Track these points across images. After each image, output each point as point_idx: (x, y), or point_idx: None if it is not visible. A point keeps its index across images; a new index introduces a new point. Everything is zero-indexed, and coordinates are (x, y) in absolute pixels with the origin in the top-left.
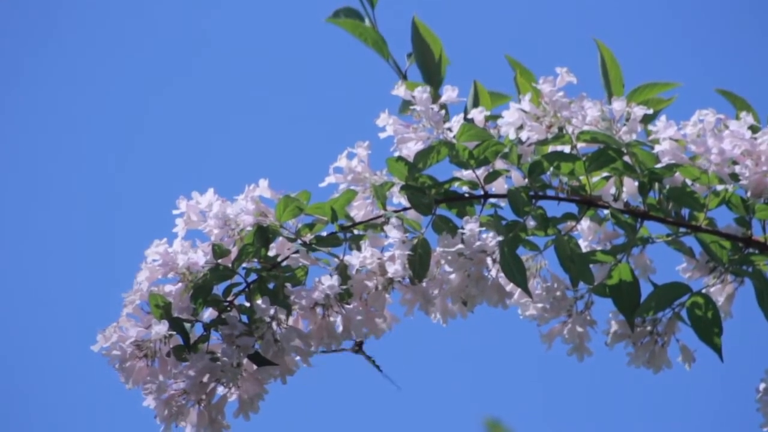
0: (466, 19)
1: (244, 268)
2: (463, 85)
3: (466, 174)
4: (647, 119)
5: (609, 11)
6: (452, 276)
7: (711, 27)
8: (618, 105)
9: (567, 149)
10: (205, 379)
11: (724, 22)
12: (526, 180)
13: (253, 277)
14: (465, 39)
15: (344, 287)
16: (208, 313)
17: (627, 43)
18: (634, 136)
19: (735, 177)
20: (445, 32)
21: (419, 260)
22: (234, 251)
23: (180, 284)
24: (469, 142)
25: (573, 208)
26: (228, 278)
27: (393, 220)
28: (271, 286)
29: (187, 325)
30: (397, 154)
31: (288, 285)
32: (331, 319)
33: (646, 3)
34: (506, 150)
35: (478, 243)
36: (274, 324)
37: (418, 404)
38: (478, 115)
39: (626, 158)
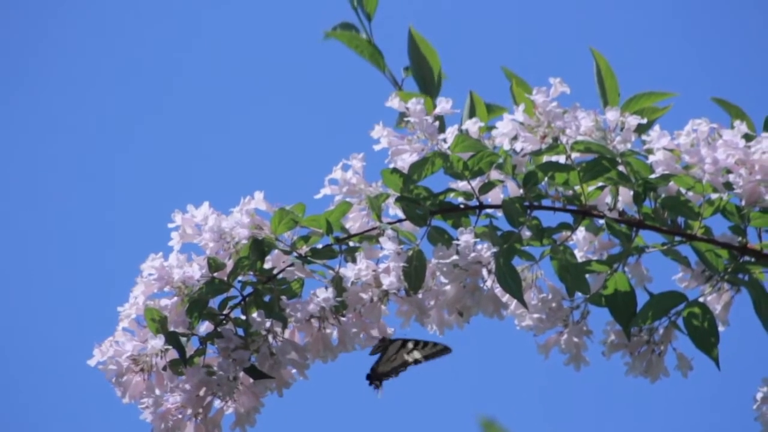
0: (462, 30)
1: (239, 281)
2: (459, 95)
3: (461, 185)
4: (643, 128)
5: (605, 21)
6: (448, 287)
7: (707, 35)
8: (612, 115)
9: (562, 159)
10: (202, 392)
11: (721, 30)
12: (522, 190)
13: (248, 290)
14: (461, 50)
15: (340, 299)
16: (204, 327)
17: (623, 53)
18: (628, 146)
19: (729, 186)
20: (441, 44)
21: (414, 272)
22: (230, 264)
23: (176, 298)
24: (464, 153)
25: (568, 218)
26: (224, 291)
27: (388, 231)
28: (266, 299)
29: (183, 339)
30: (391, 165)
31: (283, 298)
32: (327, 331)
33: (643, 12)
34: (501, 161)
35: (473, 254)
36: (270, 337)
37: (416, 405)
38: (472, 126)
39: (621, 168)
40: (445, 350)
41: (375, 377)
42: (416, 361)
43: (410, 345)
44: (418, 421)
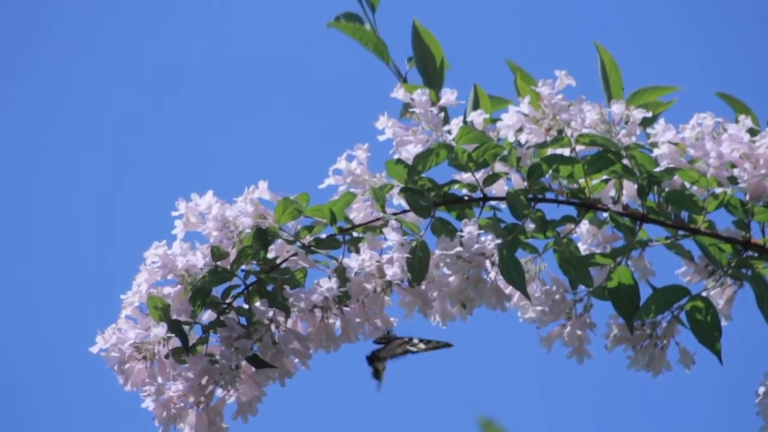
0: (466, 22)
1: (243, 270)
2: (463, 88)
3: (466, 176)
4: (647, 122)
5: (609, 15)
6: (451, 279)
7: (712, 30)
8: (617, 108)
9: (566, 152)
10: (204, 381)
11: (725, 25)
12: (526, 183)
13: (252, 279)
14: (466, 42)
15: (343, 289)
16: (207, 315)
17: (627, 47)
18: (633, 139)
19: (733, 180)
20: (445, 36)
21: (418, 263)
22: (233, 253)
23: (179, 286)
24: (468, 145)
25: (572, 210)
26: (227, 280)
27: (392, 222)
28: (270, 288)
29: (186, 327)
30: (396, 156)
31: (287, 287)
32: (330, 321)
33: (647, 7)
34: (505, 153)
35: (476, 246)
36: (272, 326)
37: (417, 398)
38: (477, 117)
39: (625, 161)
40: (447, 345)
41: (375, 359)
42: (419, 350)
43: (415, 340)
44: (418, 416)
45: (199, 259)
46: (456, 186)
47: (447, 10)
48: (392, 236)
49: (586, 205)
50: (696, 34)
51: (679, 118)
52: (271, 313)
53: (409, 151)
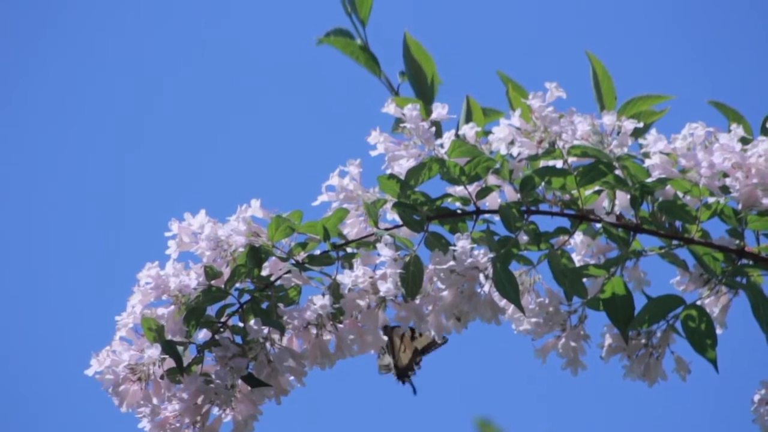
0: (459, 35)
1: (237, 289)
2: (456, 99)
3: (458, 190)
4: (639, 132)
5: (601, 24)
6: (445, 293)
7: (704, 38)
8: (608, 119)
9: (559, 164)
10: (200, 401)
11: (718, 33)
12: (519, 195)
13: (246, 297)
14: (459, 55)
15: (337, 306)
16: (202, 335)
17: (620, 56)
18: (625, 150)
19: (726, 189)
20: (438, 48)
21: (412, 278)
22: (227, 272)
23: (173, 307)
24: (461, 159)
25: (566, 222)
26: (221, 299)
27: (385, 237)
28: (264, 306)
29: (181, 348)
30: (388, 171)
31: (281, 305)
32: (325, 338)
33: (639, 16)
34: (497, 166)
35: (470, 260)
36: (267, 344)
37: (414, 408)
38: (469, 131)
39: (618, 172)
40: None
41: (402, 374)
42: (423, 350)
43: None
44: (415, 424)
45: (192, 279)
46: (449, 199)
47: (439, 23)
48: (385, 252)
49: (580, 217)
50: (688, 42)
51: (672, 126)
52: (265, 331)
53: (402, 166)
